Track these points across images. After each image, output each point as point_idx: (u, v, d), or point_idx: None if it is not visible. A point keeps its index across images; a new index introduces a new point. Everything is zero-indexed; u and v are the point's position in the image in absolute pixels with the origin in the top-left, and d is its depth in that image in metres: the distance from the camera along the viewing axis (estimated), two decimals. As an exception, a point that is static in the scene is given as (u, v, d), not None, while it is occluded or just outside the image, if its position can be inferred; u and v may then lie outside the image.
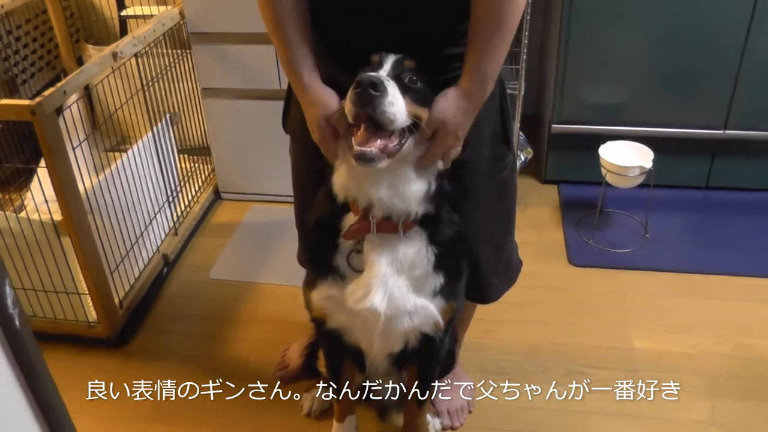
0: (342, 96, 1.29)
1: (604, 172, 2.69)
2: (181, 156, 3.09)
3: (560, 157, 3.15)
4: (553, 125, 3.00)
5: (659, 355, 2.25)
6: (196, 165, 3.08)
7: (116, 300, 2.35)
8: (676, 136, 2.94)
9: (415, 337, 1.55)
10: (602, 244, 2.78)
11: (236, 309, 2.46)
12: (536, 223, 2.98)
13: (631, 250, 2.75)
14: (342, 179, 1.35)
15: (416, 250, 1.39)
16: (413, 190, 1.32)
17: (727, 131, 2.92)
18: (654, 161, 2.65)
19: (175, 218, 2.74)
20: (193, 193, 2.94)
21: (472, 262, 1.61)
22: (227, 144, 2.91)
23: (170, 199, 2.70)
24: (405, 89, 1.23)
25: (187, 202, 2.86)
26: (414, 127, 1.24)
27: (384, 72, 1.27)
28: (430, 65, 1.31)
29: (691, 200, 3.06)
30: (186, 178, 2.89)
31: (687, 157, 3.03)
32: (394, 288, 1.41)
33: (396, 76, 1.24)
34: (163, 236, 2.66)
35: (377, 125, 1.19)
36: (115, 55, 2.22)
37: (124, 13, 3.28)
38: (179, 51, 2.73)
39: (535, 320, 2.43)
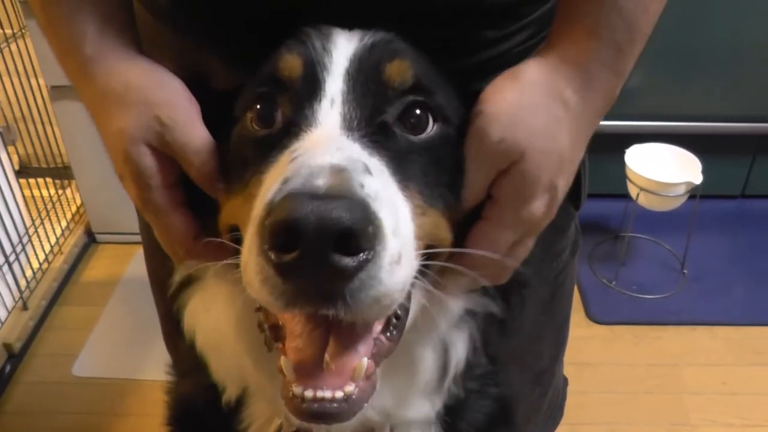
0: (200, 94, 0.63)
1: (634, 190, 1.98)
2: (37, 180, 2.26)
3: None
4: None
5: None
6: (61, 194, 2.28)
7: None
8: (713, 132, 2.30)
9: None
10: (629, 287, 2.13)
11: (109, 427, 1.78)
12: (534, 256, 2.23)
13: (668, 295, 2.10)
14: (216, 355, 0.68)
15: None
16: (431, 372, 0.66)
17: (777, 124, 2.31)
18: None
19: (24, 284, 2.01)
20: (55, 238, 2.18)
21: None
22: (96, 163, 2.15)
23: (13, 256, 1.96)
24: (400, 160, 0.55)
25: (43, 255, 2.11)
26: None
27: (333, 115, 0.54)
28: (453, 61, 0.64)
29: (728, 216, 2.45)
30: (41, 218, 2.14)
31: (724, 160, 2.38)
32: None
33: (369, 119, 0.55)
34: (3, 316, 1.93)
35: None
36: None
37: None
38: (11, 31, 1.99)
39: (555, 419, 1.70)
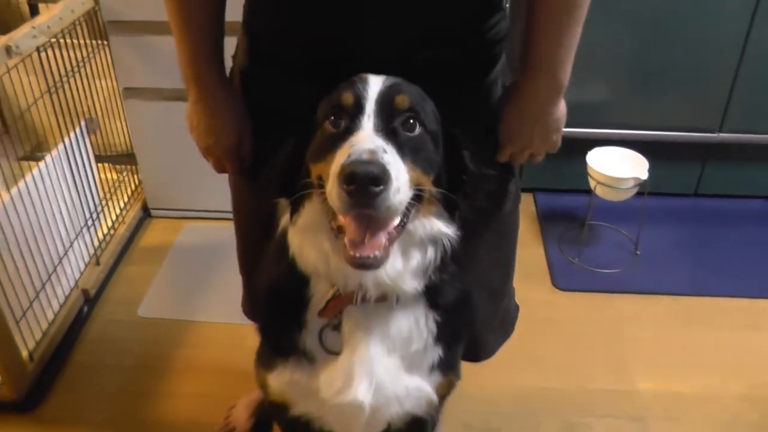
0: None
1: (593, 183, 2.38)
2: (105, 165, 2.68)
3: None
4: (530, 128, 2.64)
5: (668, 400, 2.01)
6: (123, 176, 2.67)
7: (24, 353, 1.93)
8: (666, 140, 2.66)
9: (402, 420, 1.23)
10: (589, 263, 2.49)
11: (169, 356, 2.12)
12: (514, 239, 2.64)
13: (620, 270, 2.48)
14: (307, 252, 1.05)
15: (414, 321, 1.12)
16: (418, 263, 1.05)
17: (722, 134, 2.66)
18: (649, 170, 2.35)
19: (97, 244, 2.36)
20: (118, 211, 2.57)
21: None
22: (155, 152, 2.56)
23: (90, 222, 2.33)
24: (401, 145, 0.96)
25: (110, 223, 2.50)
26: (416, 197, 0.98)
27: (369, 124, 0.96)
28: (434, 83, 1.05)
29: (681, 210, 2.81)
30: (110, 194, 2.53)
31: (677, 163, 2.77)
32: (383, 373, 1.11)
33: (386, 126, 0.96)
34: (82, 267, 2.27)
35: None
36: (8, 50, 1.78)
37: (34, -4, 2.78)
38: (96, 42, 2.35)
39: (522, 359, 2.10)
